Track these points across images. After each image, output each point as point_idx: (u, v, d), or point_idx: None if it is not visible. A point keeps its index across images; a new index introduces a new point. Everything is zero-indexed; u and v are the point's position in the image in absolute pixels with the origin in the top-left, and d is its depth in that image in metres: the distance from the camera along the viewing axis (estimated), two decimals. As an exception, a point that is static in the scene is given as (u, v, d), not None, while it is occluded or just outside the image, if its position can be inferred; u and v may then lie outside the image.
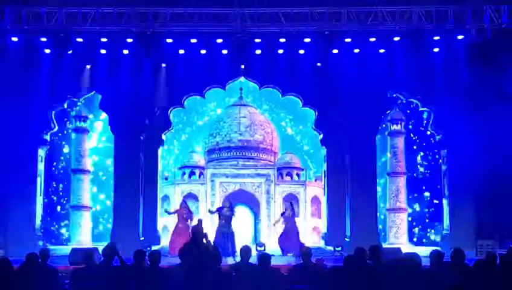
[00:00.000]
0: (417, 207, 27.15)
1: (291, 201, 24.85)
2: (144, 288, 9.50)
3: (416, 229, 27.02)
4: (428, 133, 25.11)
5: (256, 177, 30.72)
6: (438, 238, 24.40)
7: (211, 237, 13.48)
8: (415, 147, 27.24)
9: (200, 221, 19.06)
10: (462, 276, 8.69)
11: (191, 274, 9.44)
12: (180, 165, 32.22)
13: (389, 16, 21.05)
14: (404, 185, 26.87)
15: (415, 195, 27.17)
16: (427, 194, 26.84)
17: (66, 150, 27.09)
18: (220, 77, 23.83)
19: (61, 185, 26.63)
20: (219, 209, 21.51)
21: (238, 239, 20.70)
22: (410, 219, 26.95)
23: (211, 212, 23.27)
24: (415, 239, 26.67)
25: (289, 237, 21.59)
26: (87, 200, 26.65)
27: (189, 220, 21.50)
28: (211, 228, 21.59)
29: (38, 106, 22.37)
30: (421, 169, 27.05)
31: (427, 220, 26.66)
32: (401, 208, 26.65)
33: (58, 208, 26.43)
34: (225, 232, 20.50)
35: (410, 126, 27.25)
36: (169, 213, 23.13)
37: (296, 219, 22.94)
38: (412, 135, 27.20)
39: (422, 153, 26.96)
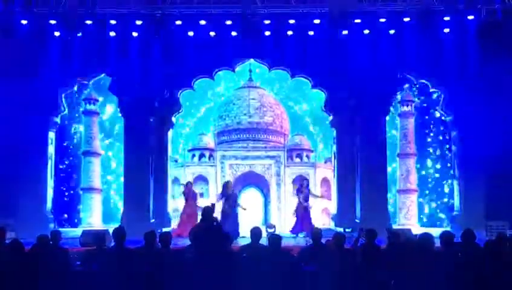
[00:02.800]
0: (427, 188, 27.03)
1: (305, 179, 23.87)
2: (155, 269, 9.55)
3: (426, 211, 26.93)
4: (439, 114, 24.97)
5: (265, 159, 30.76)
6: (448, 220, 24.34)
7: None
8: (425, 129, 27.06)
9: (213, 205, 18.71)
10: (472, 257, 8.68)
11: (202, 255, 9.47)
12: (190, 148, 32.25)
13: (399, -4, 20.94)
14: (414, 166, 26.83)
15: (425, 176, 27.06)
16: (437, 175, 26.71)
17: (76, 132, 27.09)
18: (229, 59, 23.72)
19: (70, 167, 26.64)
20: (223, 194, 20.53)
21: (241, 221, 20.33)
22: (420, 200, 26.89)
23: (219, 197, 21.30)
24: (425, 220, 26.60)
25: (304, 218, 21.34)
26: (97, 182, 26.77)
27: (194, 201, 21.01)
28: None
29: (48, 89, 22.36)
30: (431, 150, 26.89)
31: (437, 202, 26.57)
32: (411, 189, 26.63)
33: (69, 190, 26.48)
34: (229, 214, 19.82)
35: (420, 107, 27.07)
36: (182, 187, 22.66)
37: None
38: (422, 116, 27.05)
39: (432, 134, 26.78)
